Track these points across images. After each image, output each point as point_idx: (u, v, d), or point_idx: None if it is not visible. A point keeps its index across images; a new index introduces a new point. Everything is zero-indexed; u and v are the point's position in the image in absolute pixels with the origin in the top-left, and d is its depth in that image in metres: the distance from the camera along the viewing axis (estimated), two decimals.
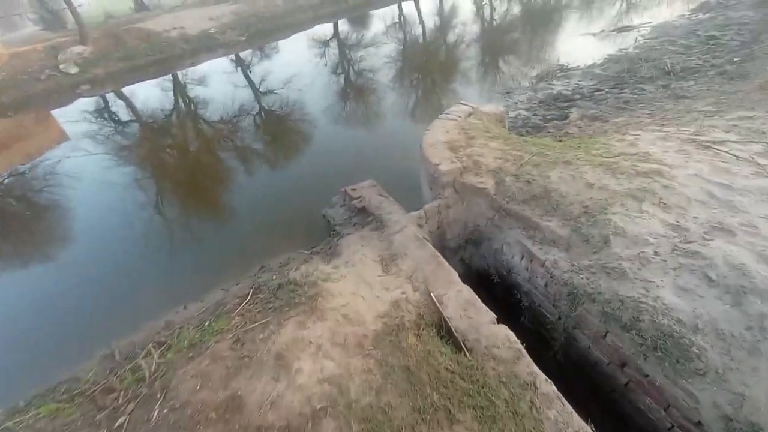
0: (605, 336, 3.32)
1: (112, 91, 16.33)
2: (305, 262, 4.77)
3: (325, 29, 20.82)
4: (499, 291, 4.64)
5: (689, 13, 12.25)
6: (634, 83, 8.20)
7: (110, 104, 15.68)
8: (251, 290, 4.54)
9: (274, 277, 4.71)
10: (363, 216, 5.24)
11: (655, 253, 3.36)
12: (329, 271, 4.14)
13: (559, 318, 3.80)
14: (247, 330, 3.69)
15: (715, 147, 4.30)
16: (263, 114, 12.85)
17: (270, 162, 9.76)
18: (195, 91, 15.77)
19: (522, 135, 7.20)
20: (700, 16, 11.58)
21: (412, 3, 23.23)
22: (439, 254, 4.04)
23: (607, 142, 4.99)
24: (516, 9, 20.23)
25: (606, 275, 3.40)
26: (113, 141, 12.67)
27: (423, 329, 3.36)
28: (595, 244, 3.66)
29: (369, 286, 3.81)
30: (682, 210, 3.64)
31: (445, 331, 3.40)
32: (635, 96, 7.65)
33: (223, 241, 7.15)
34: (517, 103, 8.88)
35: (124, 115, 14.64)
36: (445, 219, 4.73)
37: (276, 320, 3.60)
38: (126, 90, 16.53)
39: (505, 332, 3.24)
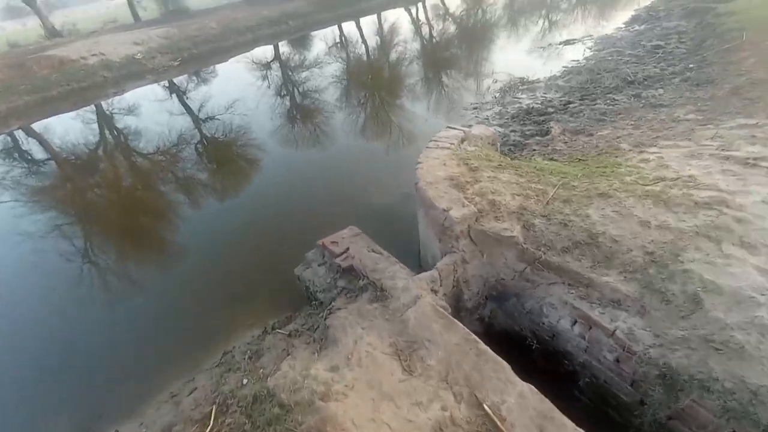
0: None
1: (19, 128, 13.64)
2: (287, 355, 3.41)
3: (265, 51, 19.29)
4: (537, 356, 3.58)
5: (625, 25, 12.40)
6: (603, 94, 7.72)
7: (19, 143, 13.08)
8: (213, 408, 3.12)
9: (244, 381, 3.32)
10: (351, 278, 3.97)
11: None
12: (326, 376, 2.83)
13: (643, 403, 2.80)
14: None
15: (763, 164, 3.59)
16: (206, 142, 11.16)
17: (220, 200, 8.15)
18: (124, 122, 13.61)
19: (506, 155, 6.34)
20: (637, 27, 11.70)
21: (353, 24, 22.38)
22: (476, 337, 2.89)
23: (629, 163, 4.17)
24: (458, 27, 20.07)
25: (716, 353, 2.43)
26: (25, 185, 10.34)
27: None
28: (680, 305, 2.70)
29: (392, 402, 2.55)
30: None
31: None
32: (610, 107, 7.12)
33: (169, 307, 5.51)
34: (487, 118, 8.08)
35: (38, 153, 12.19)
36: (461, 277, 3.61)
37: None
38: (38, 125, 13.92)
39: None
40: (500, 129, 7.48)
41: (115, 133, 13.21)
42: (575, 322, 3.14)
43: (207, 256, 6.29)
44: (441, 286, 3.50)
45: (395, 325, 3.13)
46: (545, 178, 3.93)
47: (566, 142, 6.40)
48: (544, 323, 3.43)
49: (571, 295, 3.12)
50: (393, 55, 16.66)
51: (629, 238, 3.12)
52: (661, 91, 7.24)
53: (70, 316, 5.60)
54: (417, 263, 5.13)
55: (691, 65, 8.04)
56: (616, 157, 4.55)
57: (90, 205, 8.85)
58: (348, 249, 4.19)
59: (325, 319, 3.59)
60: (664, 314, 2.73)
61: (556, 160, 5.91)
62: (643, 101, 6.99)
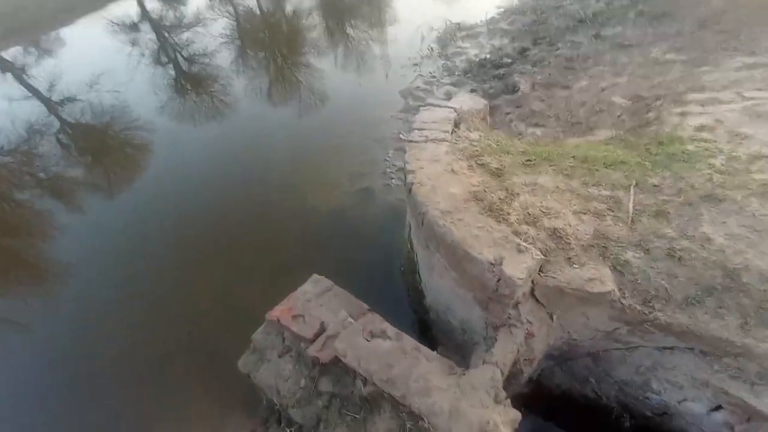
0: None
1: None
2: None
3: (127, 9, 14.75)
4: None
5: None
6: (559, 36, 6.53)
7: None
8: None
9: None
10: (340, 373, 2.36)
11: None
12: None
13: None
14: None
15: None
16: (70, 130, 8.09)
17: (104, 206, 5.60)
18: None
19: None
20: None
21: None
22: None
23: (686, 134, 2.99)
24: None
25: None
26: None
27: None
28: None
29: None
30: None
31: None
32: (574, 52, 5.96)
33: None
34: (435, 77, 6.48)
35: None
36: (524, 356, 2.22)
37: None
38: None
39: None
40: (455, 89, 5.97)
41: None
42: (718, 407, 1.99)
43: (98, 322, 4.09)
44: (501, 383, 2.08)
45: None
46: (602, 173, 2.57)
47: (543, 100, 5.15)
48: (650, 399, 2.24)
49: (717, 376, 1.91)
50: (294, 2, 13.68)
51: None
52: (620, 28, 6.23)
53: None
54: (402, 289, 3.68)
55: None
56: (648, 124, 3.36)
57: None
58: (323, 325, 2.53)
59: None
60: None
61: (543, 125, 4.66)
62: (607, 42, 5.93)
